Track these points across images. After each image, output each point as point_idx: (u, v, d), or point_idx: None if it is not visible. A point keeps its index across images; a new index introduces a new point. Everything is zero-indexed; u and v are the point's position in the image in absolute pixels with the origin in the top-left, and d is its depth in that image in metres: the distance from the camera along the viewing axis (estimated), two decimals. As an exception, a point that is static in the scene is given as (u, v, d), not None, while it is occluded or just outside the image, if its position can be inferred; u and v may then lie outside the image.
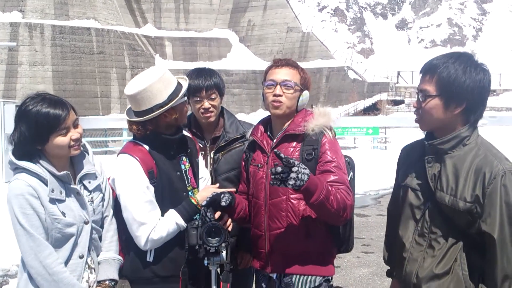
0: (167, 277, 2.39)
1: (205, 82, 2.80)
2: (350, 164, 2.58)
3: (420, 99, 2.01)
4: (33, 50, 41.74)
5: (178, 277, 2.37)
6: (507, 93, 50.45)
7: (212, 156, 2.90)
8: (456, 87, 1.92)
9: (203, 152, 2.91)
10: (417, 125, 2.10)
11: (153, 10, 53.42)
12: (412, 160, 2.18)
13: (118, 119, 23.92)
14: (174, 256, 2.39)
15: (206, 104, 2.82)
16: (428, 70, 2.00)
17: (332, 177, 2.33)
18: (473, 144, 1.98)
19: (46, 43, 42.17)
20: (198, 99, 2.82)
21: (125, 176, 2.34)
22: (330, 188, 2.22)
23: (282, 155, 2.05)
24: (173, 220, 2.34)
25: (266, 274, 2.54)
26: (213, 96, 2.84)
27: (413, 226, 2.10)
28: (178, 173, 2.45)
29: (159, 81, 2.34)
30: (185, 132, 2.63)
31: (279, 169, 2.05)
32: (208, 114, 2.85)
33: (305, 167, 2.11)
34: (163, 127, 2.42)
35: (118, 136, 22.18)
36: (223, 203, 2.31)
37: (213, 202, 2.31)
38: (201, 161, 2.72)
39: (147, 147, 2.41)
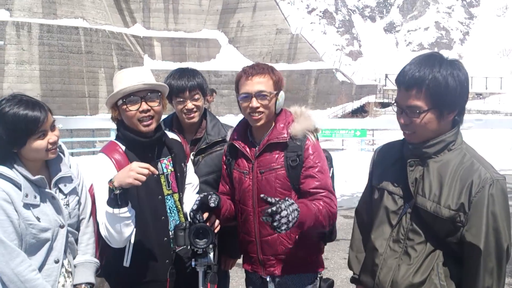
0: (144, 282, 2.37)
1: (188, 83, 2.75)
2: (328, 159, 2.56)
3: (409, 115, 1.88)
4: (20, 49, 41.36)
5: (155, 282, 2.35)
6: (493, 96, 51.07)
7: (192, 158, 2.83)
8: (449, 97, 1.83)
9: None
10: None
11: (142, 10, 53.20)
12: (388, 162, 2.09)
13: (106, 119, 23.57)
14: (151, 261, 2.37)
15: (189, 105, 2.77)
16: (414, 84, 1.85)
17: (315, 183, 2.37)
18: (458, 150, 1.92)
19: (34, 42, 41.80)
20: (181, 99, 2.77)
21: (98, 177, 2.33)
22: (317, 207, 2.25)
23: (269, 199, 2.06)
24: (104, 211, 2.21)
25: (259, 275, 2.54)
26: (196, 96, 2.79)
27: (388, 232, 2.01)
28: (155, 176, 2.40)
29: (116, 76, 2.39)
30: (175, 136, 2.60)
31: (269, 218, 2.00)
32: (192, 115, 2.80)
33: (292, 202, 2.06)
34: (127, 124, 2.40)
35: (106, 137, 21.99)
36: (211, 204, 2.29)
37: (202, 205, 2.29)
38: (190, 166, 2.66)
39: (123, 148, 2.38)
